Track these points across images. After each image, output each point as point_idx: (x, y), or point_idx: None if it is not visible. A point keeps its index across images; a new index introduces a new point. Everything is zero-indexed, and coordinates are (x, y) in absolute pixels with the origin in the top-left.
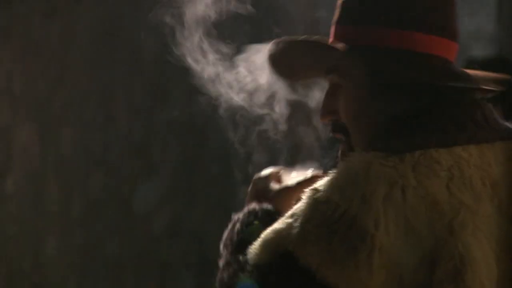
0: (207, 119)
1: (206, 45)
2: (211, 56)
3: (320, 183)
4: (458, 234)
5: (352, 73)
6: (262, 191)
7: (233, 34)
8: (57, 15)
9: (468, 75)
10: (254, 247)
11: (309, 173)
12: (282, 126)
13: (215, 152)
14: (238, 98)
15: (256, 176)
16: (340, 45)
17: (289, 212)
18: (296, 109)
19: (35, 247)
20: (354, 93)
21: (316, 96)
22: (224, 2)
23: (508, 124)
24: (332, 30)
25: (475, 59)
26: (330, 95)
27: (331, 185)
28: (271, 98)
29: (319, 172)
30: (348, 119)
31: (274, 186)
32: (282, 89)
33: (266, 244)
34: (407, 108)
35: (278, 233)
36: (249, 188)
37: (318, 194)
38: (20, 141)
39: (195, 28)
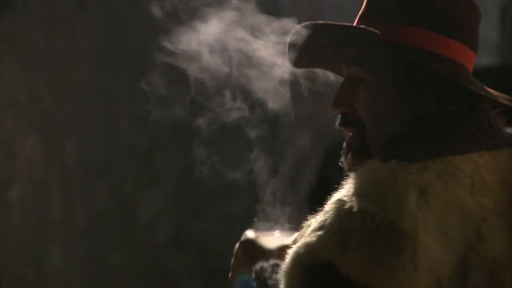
0: (210, 128)
1: (209, 50)
2: (215, 63)
3: (344, 194)
4: (488, 239)
5: (380, 68)
6: (257, 252)
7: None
8: (60, 24)
9: (485, 87)
10: (285, 265)
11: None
12: (287, 135)
13: (218, 161)
14: (242, 105)
15: (243, 239)
16: (375, 34)
17: (315, 226)
18: (300, 115)
19: (38, 256)
20: (379, 88)
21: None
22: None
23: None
24: (357, 22)
25: (479, 68)
26: (347, 87)
27: (359, 195)
28: (277, 106)
29: (297, 232)
30: (367, 114)
31: (269, 245)
32: (288, 98)
33: (299, 258)
34: (429, 111)
35: (310, 246)
36: (237, 251)
37: (348, 205)
38: (24, 151)
39: (198, 33)
